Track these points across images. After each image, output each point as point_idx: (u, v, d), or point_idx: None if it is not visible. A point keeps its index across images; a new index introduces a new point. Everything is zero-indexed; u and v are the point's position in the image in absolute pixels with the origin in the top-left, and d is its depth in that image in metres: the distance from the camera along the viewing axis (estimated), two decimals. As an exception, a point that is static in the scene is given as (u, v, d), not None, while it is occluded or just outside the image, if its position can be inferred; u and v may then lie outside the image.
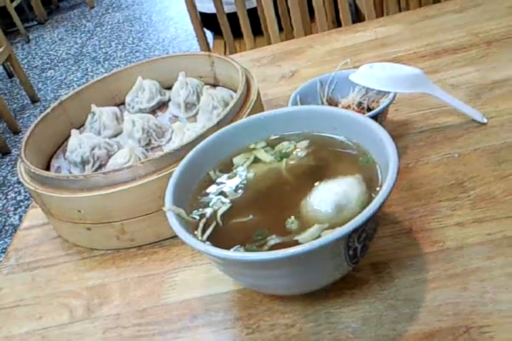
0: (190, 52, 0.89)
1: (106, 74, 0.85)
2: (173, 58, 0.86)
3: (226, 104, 0.72)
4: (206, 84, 0.81)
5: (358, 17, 1.78)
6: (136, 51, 3.34)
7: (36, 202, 0.65)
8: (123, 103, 0.85)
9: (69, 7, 4.66)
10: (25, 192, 2.27)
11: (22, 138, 2.52)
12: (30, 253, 0.64)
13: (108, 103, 0.84)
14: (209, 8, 1.57)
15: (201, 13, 1.59)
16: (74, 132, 0.73)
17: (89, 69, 3.28)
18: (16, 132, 2.77)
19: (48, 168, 0.72)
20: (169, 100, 0.82)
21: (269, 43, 1.46)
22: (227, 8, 1.47)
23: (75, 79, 3.21)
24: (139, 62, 0.86)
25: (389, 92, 0.60)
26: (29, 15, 4.46)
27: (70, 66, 3.43)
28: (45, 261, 0.62)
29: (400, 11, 1.38)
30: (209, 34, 1.76)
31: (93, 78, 3.07)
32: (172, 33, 3.41)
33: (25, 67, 3.45)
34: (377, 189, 0.43)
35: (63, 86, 3.16)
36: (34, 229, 0.68)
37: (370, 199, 0.42)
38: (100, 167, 0.70)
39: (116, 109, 0.82)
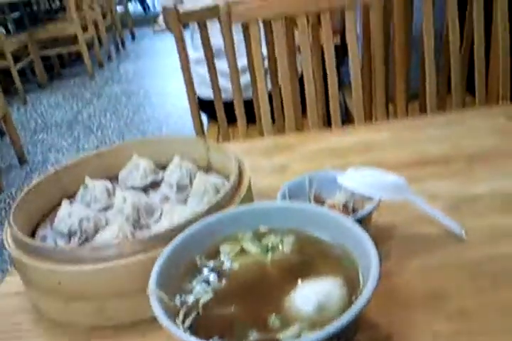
0: (188, 136, 0.93)
1: (103, 149, 0.88)
2: (170, 140, 0.90)
3: (217, 191, 0.74)
4: (200, 168, 0.85)
5: (347, 115, 1.88)
6: (130, 124, 3.43)
7: (16, 270, 0.65)
8: (116, 177, 0.87)
9: (70, 75, 4.83)
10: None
11: (3, 198, 2.49)
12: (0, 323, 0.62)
13: (101, 176, 0.86)
14: (207, 94, 1.65)
15: (199, 98, 1.67)
16: (65, 202, 0.75)
17: (81, 137, 3.34)
18: (-2, 191, 2.76)
19: (32, 236, 0.73)
20: (162, 180, 0.85)
21: (261, 132, 1.53)
22: (225, 97, 1.55)
23: (66, 144, 3.25)
24: (136, 140, 0.90)
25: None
26: (30, 78, 4.60)
27: (62, 131, 3.49)
28: (15, 334, 0.60)
29: (387, 116, 1.46)
30: (204, 116, 1.84)
31: (83, 146, 3.16)
32: (168, 110, 3.53)
33: (19, 127, 3.50)
34: (359, 292, 0.45)
35: (53, 150, 3.19)
36: (9, 297, 0.67)
37: (351, 302, 0.44)
38: (86, 240, 0.70)
39: (108, 183, 0.84)
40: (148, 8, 7.09)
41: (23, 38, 4.29)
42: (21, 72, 4.26)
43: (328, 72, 1.32)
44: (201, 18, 1.43)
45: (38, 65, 4.49)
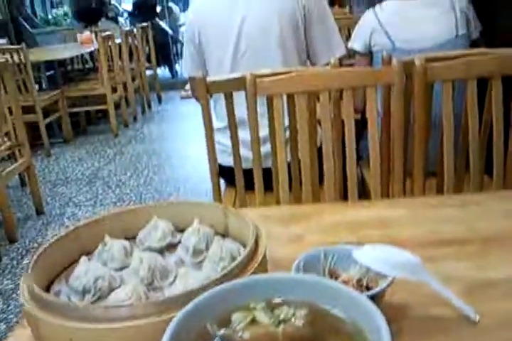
0: (207, 201, 0.96)
1: (124, 209, 0.90)
2: (190, 204, 0.92)
3: (233, 258, 0.75)
4: (216, 233, 0.86)
5: (364, 188, 1.90)
6: (149, 184, 3.48)
7: (28, 323, 0.65)
8: (134, 237, 0.89)
9: (95, 132, 4.98)
10: (3, 304, 2.20)
11: (17, 248, 2.50)
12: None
13: (120, 235, 0.88)
14: (227, 161, 1.69)
15: (219, 165, 1.71)
16: (84, 260, 0.76)
17: (99, 193, 3.39)
18: (13, 241, 2.77)
19: (47, 290, 0.73)
20: (179, 242, 0.86)
21: (278, 201, 1.55)
22: (245, 165, 1.59)
23: (84, 199, 3.30)
24: (157, 203, 0.92)
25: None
26: (57, 132, 4.75)
27: (82, 186, 3.55)
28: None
29: (404, 192, 1.48)
30: (221, 180, 1.88)
31: (101, 202, 3.20)
32: (187, 172, 3.60)
33: (40, 179, 3.57)
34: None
35: (71, 204, 3.24)
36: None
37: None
38: (99, 298, 0.71)
39: (127, 243, 0.85)
40: (176, 73, 7.41)
41: (54, 95, 4.47)
42: (48, 126, 4.42)
43: (347, 147, 1.35)
44: (228, 88, 1.50)
45: (65, 120, 4.65)
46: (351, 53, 1.91)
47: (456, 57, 1.27)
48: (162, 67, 7.32)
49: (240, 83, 1.44)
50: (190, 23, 1.84)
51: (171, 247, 0.87)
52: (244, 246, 0.77)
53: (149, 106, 5.76)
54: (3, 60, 3.05)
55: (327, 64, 1.52)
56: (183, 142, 4.41)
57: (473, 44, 1.78)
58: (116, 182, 3.56)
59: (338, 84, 1.30)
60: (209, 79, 1.51)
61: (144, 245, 0.86)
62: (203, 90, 1.51)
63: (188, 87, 2.14)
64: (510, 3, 1.88)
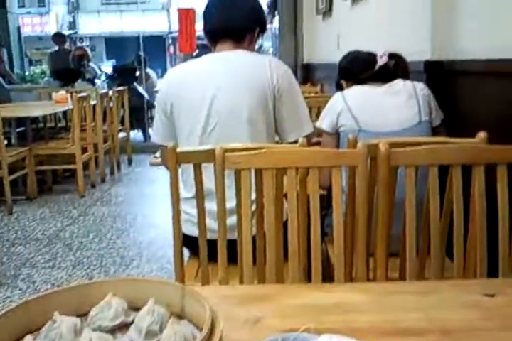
0: (165, 280, 0.94)
1: (79, 284, 0.88)
2: (147, 282, 0.90)
3: (187, 343, 0.73)
4: (173, 313, 0.83)
5: (328, 265, 1.89)
6: (111, 248, 3.40)
7: None
8: (86, 314, 0.85)
9: (61, 191, 4.90)
10: None
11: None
12: None
13: (72, 311, 0.84)
14: (192, 231, 1.68)
15: (184, 234, 1.69)
16: (28, 339, 0.72)
17: (58, 254, 3.29)
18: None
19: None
20: (132, 322, 0.83)
21: (241, 273, 1.53)
22: (209, 236, 1.57)
23: (42, 261, 3.19)
24: (113, 279, 0.90)
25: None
26: (21, 189, 4.66)
27: (41, 246, 3.44)
28: None
29: (367, 272, 1.48)
30: (186, 249, 1.85)
31: (60, 264, 3.09)
32: (150, 238, 3.53)
33: (-3, 237, 3.46)
34: None
35: (27, 265, 3.12)
36: None
37: None
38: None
39: (77, 320, 0.82)
40: (149, 137, 7.46)
41: (22, 151, 4.43)
42: (13, 183, 4.33)
43: (312, 224, 1.36)
44: (197, 160, 1.51)
45: (31, 178, 4.58)
46: (320, 132, 1.97)
47: (419, 144, 1.32)
48: (135, 130, 7.38)
49: (209, 155, 1.45)
50: (163, 94, 1.86)
51: (124, 327, 0.83)
52: (201, 329, 0.74)
53: (119, 168, 5.74)
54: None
55: (295, 141, 1.57)
56: (150, 207, 4.37)
57: (435, 131, 1.87)
58: (77, 244, 3.46)
59: (305, 163, 1.33)
60: (179, 149, 1.53)
61: (95, 323, 0.83)
62: (173, 160, 1.52)
63: (158, 154, 2.16)
64: (469, 93, 2.00)
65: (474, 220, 1.35)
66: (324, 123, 1.92)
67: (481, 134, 1.39)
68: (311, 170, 1.33)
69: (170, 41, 22.91)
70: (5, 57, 8.11)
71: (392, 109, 1.84)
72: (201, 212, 1.57)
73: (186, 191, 1.80)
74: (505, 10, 1.76)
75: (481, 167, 1.29)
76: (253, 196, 1.49)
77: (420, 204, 1.43)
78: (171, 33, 22.38)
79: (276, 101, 1.76)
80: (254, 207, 1.54)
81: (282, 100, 1.76)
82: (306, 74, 5.81)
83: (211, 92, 1.76)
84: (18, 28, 9.02)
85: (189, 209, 1.73)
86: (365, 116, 1.83)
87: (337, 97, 1.91)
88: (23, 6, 19.32)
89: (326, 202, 1.78)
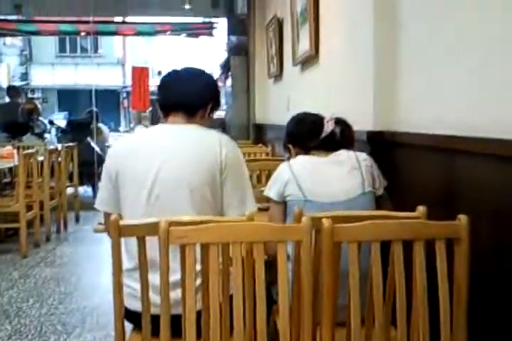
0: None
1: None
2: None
3: None
4: None
5: (276, 335, 1.85)
6: (53, 314, 3.21)
7: None
8: None
9: (2, 250, 4.67)
10: None
11: None
12: None
13: None
14: (135, 306, 1.62)
15: (126, 308, 1.63)
16: None
17: (-5, 327, 3.08)
18: None
19: None
20: None
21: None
22: (153, 310, 1.52)
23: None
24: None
25: None
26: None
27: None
28: None
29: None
30: (128, 322, 1.78)
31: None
32: (95, 302, 3.37)
33: None
34: None
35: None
36: None
37: None
38: None
39: None
40: (99, 192, 7.33)
41: (-38, 209, 4.25)
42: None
43: (257, 298, 1.35)
44: (141, 233, 1.48)
45: (-30, 237, 4.37)
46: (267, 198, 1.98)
47: (362, 218, 1.34)
48: (85, 186, 7.24)
49: (153, 228, 1.43)
50: (111, 161, 1.85)
51: None
52: None
53: (65, 226, 5.55)
54: None
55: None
56: (95, 268, 4.21)
57: (379, 200, 1.92)
58: (15, 311, 3.26)
59: (251, 238, 1.33)
60: (122, 222, 1.50)
61: None
62: (115, 233, 1.49)
63: (102, 221, 2.11)
64: (409, 166, 2.08)
65: (416, 293, 1.37)
66: (271, 192, 1.94)
67: (421, 208, 1.44)
68: (255, 246, 1.32)
69: (124, 95, 23.13)
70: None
71: (336, 179, 1.88)
72: (144, 285, 1.53)
73: (129, 262, 1.74)
74: (441, 86, 1.86)
75: (421, 242, 1.32)
76: (198, 267, 1.46)
77: (364, 275, 1.44)
78: (125, 87, 22.63)
79: (222, 177, 1.77)
80: (199, 281, 1.51)
81: (228, 175, 1.77)
82: (258, 134, 5.93)
83: (157, 164, 1.76)
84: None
85: (132, 282, 1.68)
86: (310, 186, 1.86)
87: (284, 167, 1.95)
88: (-26, 57, 19.18)
89: (273, 269, 1.77)
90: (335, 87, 3.01)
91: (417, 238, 1.32)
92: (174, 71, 1.96)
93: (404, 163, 2.11)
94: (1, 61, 21.48)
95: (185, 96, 1.86)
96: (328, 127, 2.04)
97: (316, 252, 1.37)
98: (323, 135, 2.03)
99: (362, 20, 2.46)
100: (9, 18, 9.09)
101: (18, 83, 21.66)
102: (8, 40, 18.69)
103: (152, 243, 1.49)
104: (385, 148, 2.19)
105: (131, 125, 13.46)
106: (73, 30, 9.46)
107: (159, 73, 23.67)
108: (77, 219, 5.90)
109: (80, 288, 3.72)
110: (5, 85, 18.32)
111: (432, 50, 1.92)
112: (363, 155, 1.95)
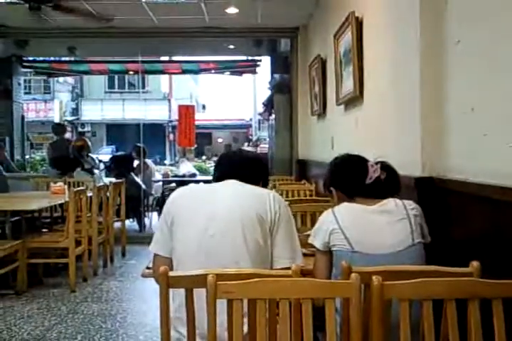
0: None
1: None
2: None
3: None
4: None
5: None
6: (99, 353, 3.26)
7: None
8: None
9: (51, 285, 4.78)
10: None
11: None
12: None
13: None
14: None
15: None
16: None
17: None
18: None
19: None
20: None
21: None
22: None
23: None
24: None
25: None
26: (10, 282, 4.53)
27: None
28: None
29: None
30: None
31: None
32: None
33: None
34: None
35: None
36: None
37: None
38: None
39: None
40: (145, 227, 7.46)
41: (16, 244, 4.38)
42: (2, 275, 4.23)
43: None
44: (189, 284, 1.50)
45: (22, 272, 4.48)
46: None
47: (413, 273, 1.32)
48: (131, 219, 7.37)
49: (201, 280, 1.44)
50: (168, 206, 1.96)
51: None
52: None
53: (112, 261, 5.65)
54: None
55: (287, 268, 1.59)
56: (141, 305, 4.24)
57: (428, 248, 1.86)
58: (63, 348, 3.32)
59: (299, 294, 1.33)
60: (171, 273, 1.52)
61: None
62: (164, 283, 1.51)
63: (151, 264, 2.14)
64: (460, 215, 2.01)
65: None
66: (316, 241, 1.91)
67: (474, 264, 1.39)
68: (303, 305, 1.31)
69: (170, 129, 23.72)
70: (6, 145, 8.28)
71: (384, 230, 1.84)
72: (191, 333, 1.54)
73: (178, 312, 1.75)
74: (496, 132, 1.80)
75: (476, 301, 1.28)
76: (245, 321, 1.46)
77: (415, 327, 1.40)
78: (171, 121, 23.23)
79: (272, 225, 1.86)
80: (246, 329, 1.51)
81: (280, 227, 1.87)
82: (301, 170, 5.93)
83: (213, 209, 1.87)
84: (22, 117, 9.30)
85: (180, 326, 1.70)
86: (357, 236, 1.82)
87: (328, 215, 1.92)
88: (29, 93, 20.12)
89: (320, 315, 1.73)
90: (379, 128, 3.00)
91: (472, 297, 1.28)
92: (232, 152, 2.33)
93: (455, 213, 2.05)
94: (54, 97, 22.51)
95: (238, 174, 2.00)
96: (374, 172, 2.00)
97: (365, 308, 1.35)
98: (369, 181, 1.99)
99: (408, 61, 2.45)
100: (63, 59, 9.59)
101: (69, 118, 22.61)
102: (61, 77, 19.55)
103: (199, 294, 1.51)
104: (434, 195, 2.13)
105: (176, 158, 13.73)
106: (122, 70, 9.85)
107: (204, 107, 24.18)
108: (123, 254, 6.00)
109: (126, 326, 3.74)
110: (57, 120, 19.18)
111: (484, 93, 1.87)
112: (411, 204, 1.90)
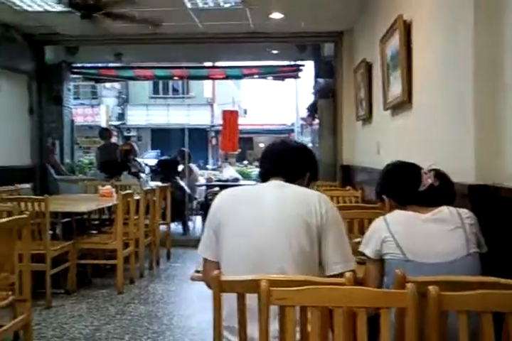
0: None
1: None
2: None
3: None
4: None
5: None
6: (146, 354, 3.32)
7: None
8: None
9: (100, 285, 4.90)
10: None
11: None
12: None
13: None
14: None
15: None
16: None
17: None
18: None
19: None
20: None
21: None
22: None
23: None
24: None
25: None
26: (61, 282, 4.67)
27: (78, 346, 3.39)
28: None
29: None
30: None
31: None
32: None
33: (35, 333, 3.41)
34: None
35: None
36: None
37: None
38: None
39: None
40: (188, 230, 7.55)
41: (66, 245, 4.52)
42: (53, 275, 4.36)
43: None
44: (241, 289, 1.51)
45: (72, 272, 4.61)
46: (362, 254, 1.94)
47: (470, 284, 1.29)
48: (175, 223, 7.48)
49: (254, 286, 1.45)
50: (214, 210, 1.94)
51: None
52: None
53: (157, 263, 5.75)
54: (24, 215, 3.14)
55: (339, 274, 1.57)
56: (186, 308, 4.30)
57: (483, 259, 1.82)
58: (112, 348, 3.40)
59: (352, 303, 1.32)
60: (223, 278, 1.53)
61: None
62: (217, 289, 1.52)
63: (200, 268, 2.16)
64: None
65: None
66: (367, 249, 1.89)
67: (534, 275, 1.35)
68: (358, 315, 1.30)
69: (212, 134, 23.98)
70: (57, 149, 8.54)
71: (438, 238, 1.80)
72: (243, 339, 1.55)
73: (227, 320, 1.70)
74: None
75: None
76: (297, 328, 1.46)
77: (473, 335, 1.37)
78: (213, 126, 23.48)
79: (320, 229, 1.80)
80: (298, 337, 1.50)
81: (329, 232, 1.81)
82: (346, 175, 5.88)
83: (258, 212, 1.84)
84: (71, 121, 9.58)
85: (230, 336, 1.70)
86: (410, 245, 1.79)
87: (380, 224, 1.89)
88: (78, 98, 20.70)
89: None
90: (430, 134, 2.95)
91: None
92: (275, 143, 2.09)
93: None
94: (101, 102, 23.10)
95: (284, 167, 1.96)
96: (427, 180, 1.96)
97: (420, 319, 1.32)
98: (422, 188, 1.95)
99: (461, 64, 2.39)
100: (110, 65, 9.84)
101: (115, 123, 23.14)
102: (108, 83, 20.03)
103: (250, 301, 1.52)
104: (489, 203, 2.08)
105: (218, 163, 13.86)
106: (168, 75, 10.02)
107: (245, 112, 24.28)
108: (168, 256, 6.09)
109: (172, 328, 3.79)
110: (104, 124, 19.66)
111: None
112: (466, 212, 1.86)
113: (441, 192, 1.96)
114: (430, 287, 1.25)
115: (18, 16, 5.72)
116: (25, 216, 3.10)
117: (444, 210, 1.87)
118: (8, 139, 6.27)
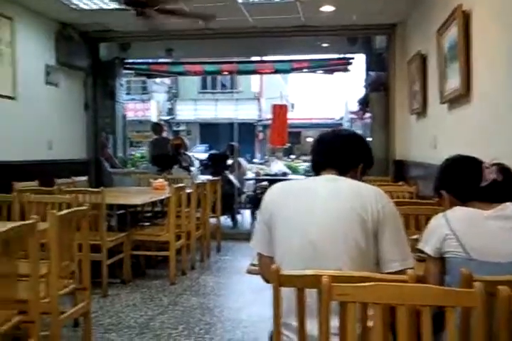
0: None
1: None
2: None
3: None
4: None
5: None
6: (200, 343, 3.38)
7: None
8: None
9: (153, 276, 5.03)
10: None
11: None
12: None
13: None
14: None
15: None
16: None
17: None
18: None
19: None
20: None
21: None
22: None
23: (133, 354, 3.21)
24: None
25: None
26: (117, 272, 4.82)
27: (133, 335, 3.49)
28: None
29: None
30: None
31: None
32: (237, 337, 3.48)
33: (93, 321, 3.53)
34: None
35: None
36: None
37: None
38: None
39: None
40: (237, 223, 7.62)
41: (121, 237, 4.65)
42: (109, 265, 4.50)
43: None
44: (300, 284, 1.51)
45: (126, 262, 4.75)
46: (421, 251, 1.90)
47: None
48: (225, 216, 7.56)
49: (313, 281, 1.45)
50: (265, 204, 1.92)
51: None
52: None
53: (208, 255, 5.84)
54: (84, 207, 3.23)
55: (397, 272, 1.55)
56: (237, 300, 4.34)
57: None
58: (166, 337, 3.48)
59: (416, 300, 1.30)
60: (283, 272, 1.53)
61: None
62: (276, 283, 1.53)
63: (255, 261, 2.17)
64: None
65: None
66: (427, 247, 1.83)
67: None
68: (422, 313, 1.28)
69: (260, 128, 24.04)
70: (110, 143, 8.76)
71: (502, 237, 1.73)
72: (302, 336, 1.55)
73: (284, 317, 1.69)
74: None
75: None
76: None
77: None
78: (260, 120, 23.54)
79: (376, 225, 1.75)
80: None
81: (386, 228, 1.75)
82: (399, 170, 5.77)
83: (313, 207, 1.80)
84: (124, 116, 9.80)
85: (287, 331, 1.70)
86: (473, 243, 1.73)
87: (440, 221, 1.83)
88: (129, 93, 21.16)
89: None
90: (490, 128, 2.86)
91: None
92: (324, 134, 2.03)
93: None
94: (151, 97, 23.53)
95: (335, 158, 1.91)
96: (489, 175, 1.89)
97: (489, 319, 1.29)
98: (484, 183, 1.88)
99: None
100: (160, 60, 9.99)
101: (165, 117, 23.55)
102: (158, 78, 20.36)
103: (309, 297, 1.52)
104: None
105: (266, 157, 13.89)
106: (216, 70, 10.09)
107: (293, 106, 24.18)
108: (218, 249, 6.17)
109: (223, 320, 3.85)
110: (154, 119, 20.02)
111: None
112: None
113: (505, 187, 1.88)
114: (500, 287, 1.22)
115: (75, 15, 5.88)
116: (84, 207, 3.20)
117: (509, 207, 1.80)
118: (66, 134, 6.49)
